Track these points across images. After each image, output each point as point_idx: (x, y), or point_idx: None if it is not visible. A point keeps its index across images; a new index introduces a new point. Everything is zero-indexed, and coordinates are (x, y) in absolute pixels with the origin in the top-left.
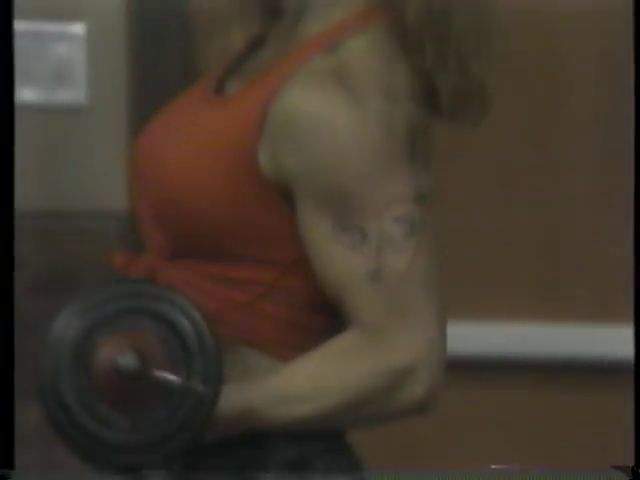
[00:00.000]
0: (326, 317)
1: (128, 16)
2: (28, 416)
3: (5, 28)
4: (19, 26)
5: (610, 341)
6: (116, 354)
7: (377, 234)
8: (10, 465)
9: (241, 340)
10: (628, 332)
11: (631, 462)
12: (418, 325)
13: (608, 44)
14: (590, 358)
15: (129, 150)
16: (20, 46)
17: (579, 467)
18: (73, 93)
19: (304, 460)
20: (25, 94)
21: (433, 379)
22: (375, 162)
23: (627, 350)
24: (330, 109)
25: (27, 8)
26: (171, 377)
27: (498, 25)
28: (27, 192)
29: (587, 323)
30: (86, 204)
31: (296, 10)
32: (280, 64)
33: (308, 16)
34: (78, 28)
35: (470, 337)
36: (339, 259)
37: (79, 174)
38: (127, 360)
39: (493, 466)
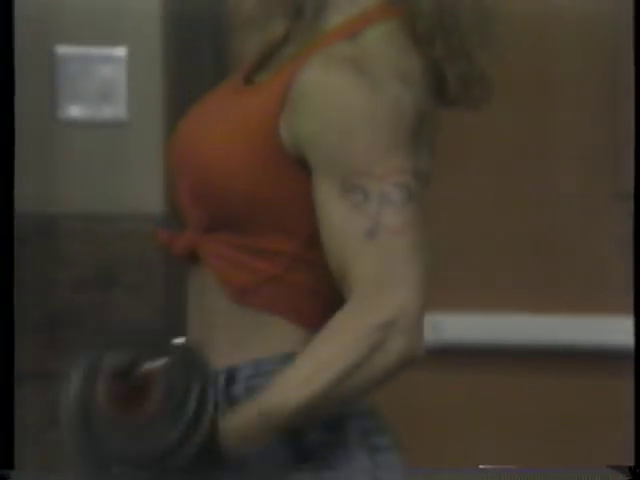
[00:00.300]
0: None
1: (165, 40)
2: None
3: (5, 30)
4: (68, 50)
5: (597, 330)
6: (106, 355)
7: (378, 195)
8: (10, 465)
9: (268, 309)
10: (615, 321)
11: (631, 461)
12: (404, 281)
13: (594, 44)
14: (582, 345)
15: (170, 138)
16: (68, 68)
17: (577, 466)
18: (115, 110)
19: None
20: (73, 111)
21: (417, 333)
22: (382, 136)
23: (616, 338)
24: (345, 85)
25: (75, 34)
26: (158, 362)
27: (500, 17)
28: (74, 197)
29: (578, 314)
30: (127, 208)
31: (316, 7)
32: (302, 54)
33: (328, 12)
34: (120, 51)
35: (477, 326)
36: (341, 217)
37: (121, 181)
38: (115, 357)
39: (482, 466)
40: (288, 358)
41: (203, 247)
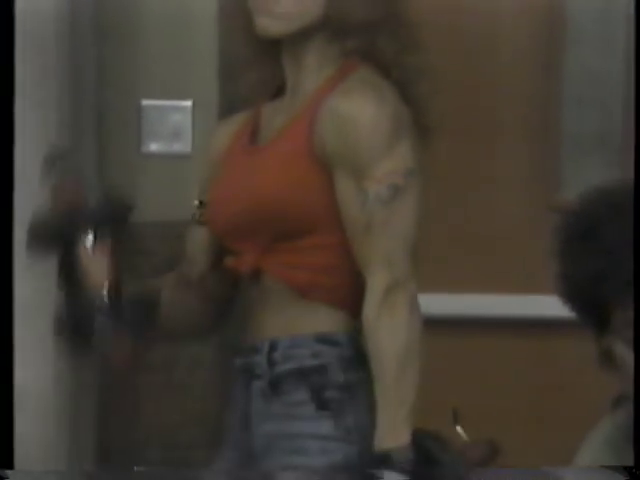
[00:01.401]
0: None
1: (220, 93)
2: None
3: (6, 35)
4: (149, 102)
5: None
6: None
7: (374, 196)
8: (10, 465)
9: (321, 300)
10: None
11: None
12: (391, 266)
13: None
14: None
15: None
16: (149, 115)
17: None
18: (183, 146)
19: None
20: (152, 147)
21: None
22: (382, 145)
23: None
24: (359, 108)
25: (154, 90)
26: None
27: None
28: (153, 208)
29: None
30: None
31: (294, 84)
32: (304, 107)
33: (306, 83)
34: (187, 103)
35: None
36: (353, 216)
37: (186, 197)
38: None
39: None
40: (319, 336)
41: (265, 261)
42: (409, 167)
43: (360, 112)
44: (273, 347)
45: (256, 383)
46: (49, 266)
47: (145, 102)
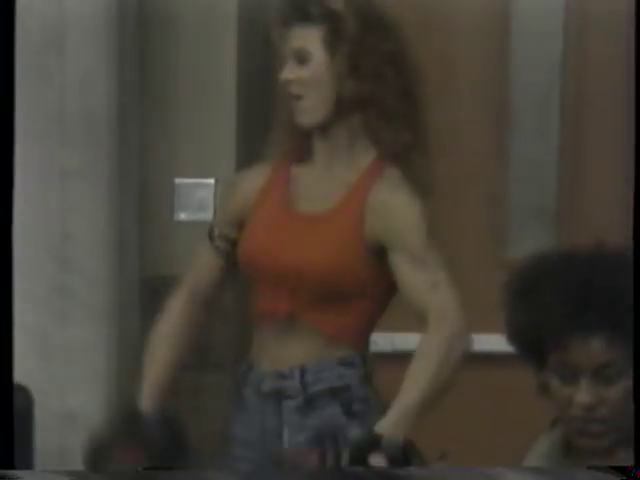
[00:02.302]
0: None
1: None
2: None
3: (6, 43)
4: (181, 180)
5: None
6: None
7: (430, 263)
8: (10, 465)
9: (344, 344)
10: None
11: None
12: (451, 309)
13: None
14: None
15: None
16: (181, 190)
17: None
18: (207, 215)
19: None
20: (182, 216)
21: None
22: (422, 230)
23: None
24: (404, 202)
25: (187, 170)
26: None
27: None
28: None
29: None
30: None
31: (326, 155)
32: (350, 189)
33: (340, 160)
34: (210, 181)
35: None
36: (415, 277)
37: None
38: None
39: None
40: (340, 361)
41: (300, 310)
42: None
43: (408, 208)
44: (303, 372)
45: (287, 402)
46: None
47: (178, 180)
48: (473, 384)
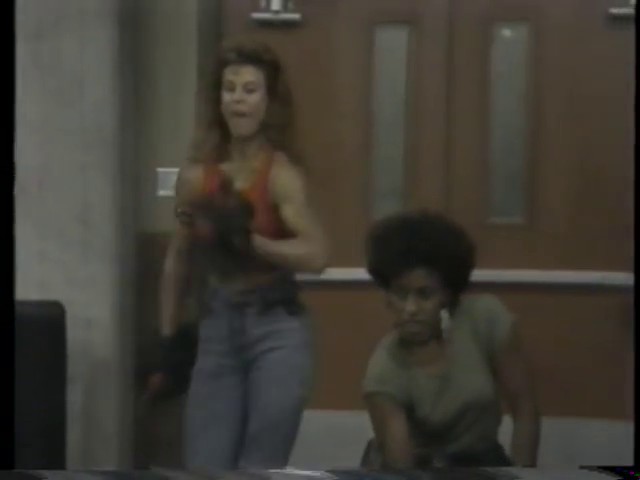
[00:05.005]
0: None
1: None
2: None
3: (7, 51)
4: (160, 169)
5: None
6: None
7: (302, 210)
8: (10, 465)
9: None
10: None
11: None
12: (315, 235)
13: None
14: None
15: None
16: (160, 177)
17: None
18: None
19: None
20: (161, 192)
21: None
22: (301, 192)
23: None
24: (289, 175)
25: (164, 161)
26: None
27: None
28: None
29: None
30: None
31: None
32: (255, 170)
33: (250, 158)
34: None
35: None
36: (294, 220)
37: None
38: None
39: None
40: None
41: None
42: None
43: (292, 179)
44: (262, 289)
45: (249, 309)
46: None
47: (159, 169)
48: (347, 304)
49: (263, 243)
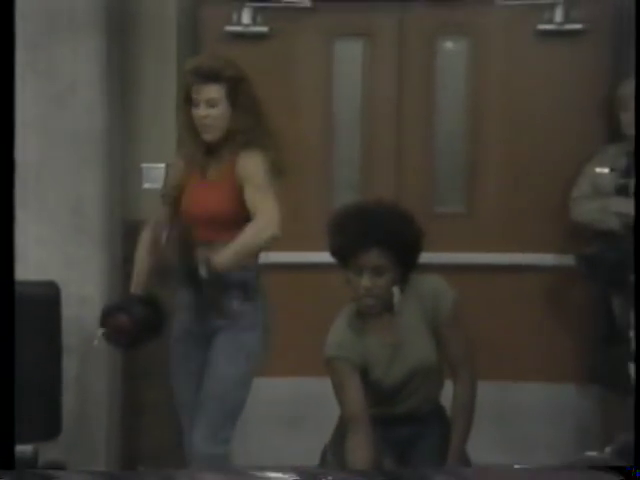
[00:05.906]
0: None
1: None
2: None
3: (7, 58)
4: (145, 165)
5: None
6: None
7: (261, 191)
8: (10, 465)
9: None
10: None
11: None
12: (270, 211)
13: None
14: None
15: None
16: (145, 172)
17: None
18: (159, 184)
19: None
20: (146, 185)
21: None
22: (261, 175)
23: None
24: (253, 162)
25: (149, 157)
26: None
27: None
28: None
29: None
30: None
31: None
32: (226, 163)
33: (223, 154)
34: (162, 165)
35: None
36: (253, 198)
37: None
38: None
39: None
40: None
41: (215, 237)
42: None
43: (254, 165)
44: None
45: (210, 289)
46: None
47: (144, 164)
48: (312, 282)
49: (221, 259)
